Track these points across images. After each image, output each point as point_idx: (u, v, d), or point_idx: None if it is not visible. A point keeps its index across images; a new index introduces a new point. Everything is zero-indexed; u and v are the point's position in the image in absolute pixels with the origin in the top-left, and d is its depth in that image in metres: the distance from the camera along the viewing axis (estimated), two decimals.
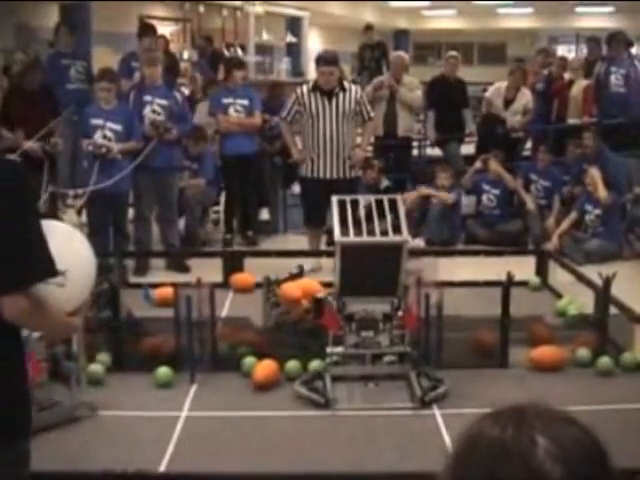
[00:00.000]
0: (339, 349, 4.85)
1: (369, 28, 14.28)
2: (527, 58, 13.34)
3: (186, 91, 9.34)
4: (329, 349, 4.83)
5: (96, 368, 4.95)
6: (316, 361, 5.00)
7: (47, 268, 2.27)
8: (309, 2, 19.29)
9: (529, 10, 25.19)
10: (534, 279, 7.06)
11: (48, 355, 4.38)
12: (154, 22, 12.16)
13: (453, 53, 10.71)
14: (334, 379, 4.83)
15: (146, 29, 9.34)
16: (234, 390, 4.89)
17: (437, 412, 4.59)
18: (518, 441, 1.07)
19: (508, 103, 10.20)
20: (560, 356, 5.25)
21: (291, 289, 5.68)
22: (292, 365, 5.05)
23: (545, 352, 5.26)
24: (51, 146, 7.48)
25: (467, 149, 10.90)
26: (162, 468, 3.98)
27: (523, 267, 6.82)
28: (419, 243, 8.56)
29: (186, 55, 16.36)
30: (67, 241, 2.73)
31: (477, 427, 1.13)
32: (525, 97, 10.19)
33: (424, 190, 9.07)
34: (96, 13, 13.55)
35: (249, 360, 5.09)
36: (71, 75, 9.04)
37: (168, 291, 6.01)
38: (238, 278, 6.99)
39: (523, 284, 6.74)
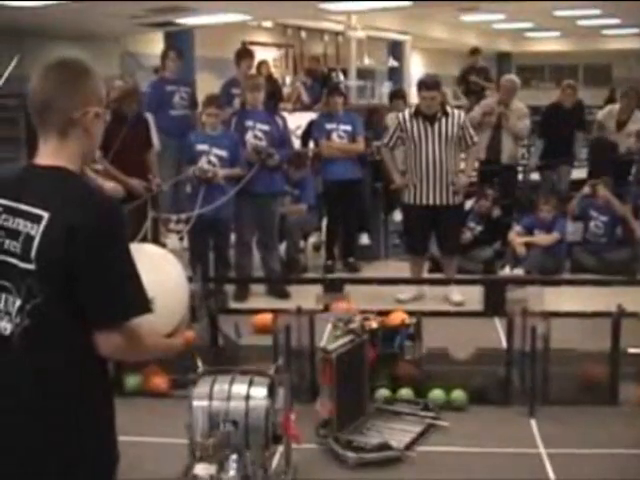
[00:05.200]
0: None
1: (476, 51, 14.01)
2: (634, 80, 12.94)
3: (288, 116, 9.34)
4: None
5: None
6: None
7: (140, 304, 2.21)
8: (411, 26, 19.23)
9: (635, 30, 24.61)
10: None
11: None
12: (257, 48, 12.29)
13: (570, 82, 10.23)
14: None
15: (243, 53, 9.43)
16: None
17: (543, 451, 4.42)
18: None
19: (621, 125, 9.92)
20: None
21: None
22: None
23: None
24: (155, 187, 7.40)
25: (578, 174, 10.60)
26: None
27: (633, 298, 6.54)
28: (519, 273, 8.33)
29: (288, 80, 16.47)
30: (157, 264, 2.69)
31: None
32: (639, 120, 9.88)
33: (525, 240, 8.73)
34: (199, 39, 13.79)
35: None
36: (175, 102, 9.16)
37: (267, 318, 5.99)
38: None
39: (633, 315, 6.45)
